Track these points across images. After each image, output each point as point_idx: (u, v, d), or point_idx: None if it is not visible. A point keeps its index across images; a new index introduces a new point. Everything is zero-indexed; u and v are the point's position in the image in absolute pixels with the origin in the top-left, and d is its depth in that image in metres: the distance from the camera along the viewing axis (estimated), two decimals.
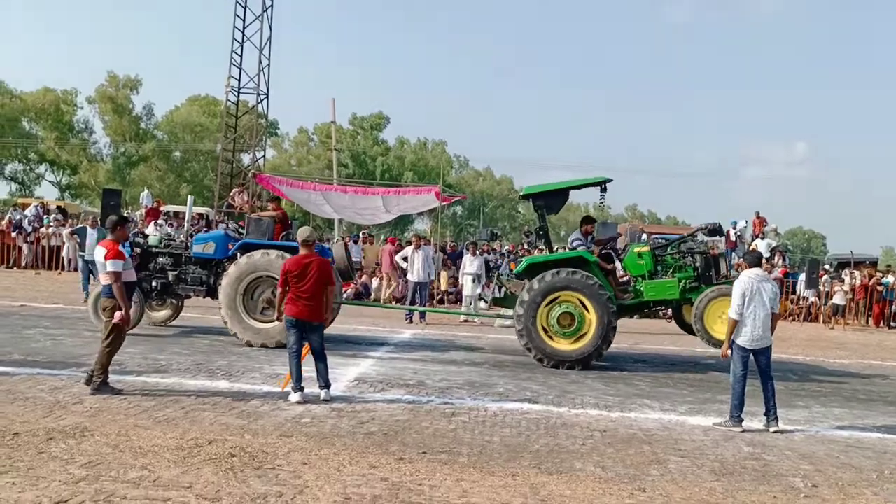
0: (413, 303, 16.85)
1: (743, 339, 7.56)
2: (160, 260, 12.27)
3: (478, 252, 19.13)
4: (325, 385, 7.83)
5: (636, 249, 11.89)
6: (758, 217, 27.41)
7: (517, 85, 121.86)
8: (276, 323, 11.19)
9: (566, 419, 7.63)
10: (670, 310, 12.94)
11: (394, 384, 8.97)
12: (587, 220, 12.54)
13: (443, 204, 28.08)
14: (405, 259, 18.02)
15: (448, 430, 6.88)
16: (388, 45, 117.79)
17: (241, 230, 14.63)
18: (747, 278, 7.64)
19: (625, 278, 12.04)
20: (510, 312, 11.93)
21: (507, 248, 28.76)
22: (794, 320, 22.22)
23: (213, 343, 11.33)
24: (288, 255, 11.34)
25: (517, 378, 9.91)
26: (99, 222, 18.57)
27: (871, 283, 22.60)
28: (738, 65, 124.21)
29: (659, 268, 11.76)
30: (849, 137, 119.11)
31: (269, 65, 26.57)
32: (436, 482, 5.35)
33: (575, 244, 11.93)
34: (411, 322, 16.24)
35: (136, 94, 53.99)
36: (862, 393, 10.45)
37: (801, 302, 23.07)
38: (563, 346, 11.03)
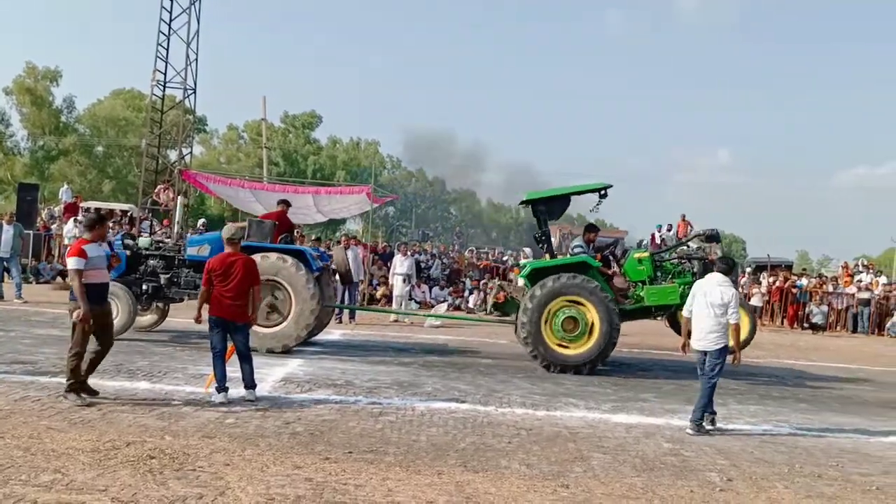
0: (342, 303, 16.73)
1: (692, 340, 7.83)
2: (151, 262, 11.92)
3: (409, 252, 19.15)
4: (250, 385, 7.70)
5: (636, 255, 11.94)
6: (683, 220, 28.18)
7: (453, 86, 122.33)
8: (280, 327, 11.23)
9: (493, 418, 7.69)
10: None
11: (321, 384, 8.89)
12: (591, 228, 12.51)
13: (375, 205, 28.00)
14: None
15: (375, 430, 6.86)
16: (320, 43, 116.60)
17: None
18: (704, 281, 7.90)
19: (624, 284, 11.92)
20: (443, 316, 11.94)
21: (438, 248, 28.81)
22: None
23: (134, 343, 11.00)
24: (290, 259, 11.35)
25: (445, 378, 9.95)
26: (15, 218, 17.84)
27: (786, 285, 23.51)
28: (667, 72, 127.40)
29: (658, 273, 11.81)
30: (769, 145, 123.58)
31: (196, 59, 25.98)
32: (361, 481, 5.32)
33: (576, 250, 11.97)
34: (340, 322, 16.12)
35: (56, 86, 52.00)
36: (775, 391, 10.85)
37: None
38: (567, 350, 11.07)
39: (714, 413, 7.86)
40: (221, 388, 7.50)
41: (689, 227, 27.62)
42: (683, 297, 11.04)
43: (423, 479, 5.47)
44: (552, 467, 6.03)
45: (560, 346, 11.08)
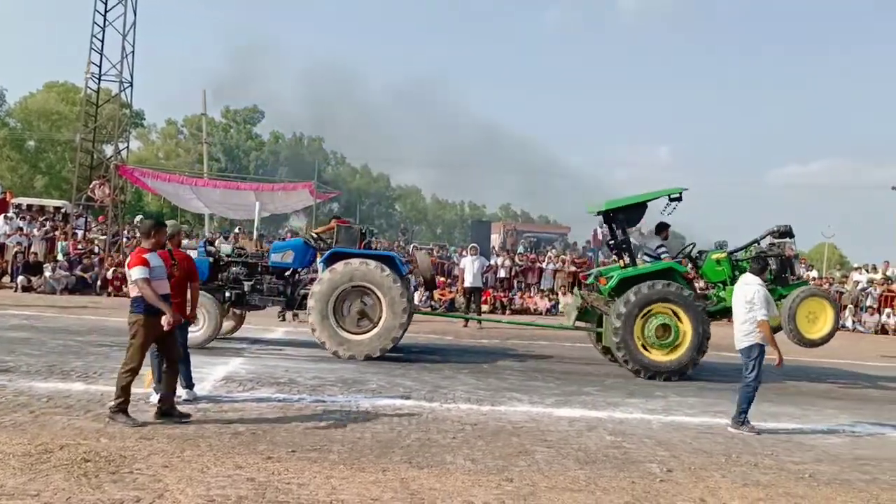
0: None
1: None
2: (233, 269, 11.75)
3: None
4: (189, 385, 7.54)
5: (714, 256, 11.88)
6: None
7: (397, 81, 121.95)
8: (373, 332, 11.13)
9: (438, 414, 7.69)
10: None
11: (264, 383, 8.76)
12: (662, 226, 12.41)
13: (318, 201, 27.76)
14: None
15: (319, 428, 6.78)
16: (263, 35, 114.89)
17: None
18: (739, 282, 8.21)
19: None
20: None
21: (382, 245, 28.64)
22: None
23: (68, 343, 10.67)
24: (373, 262, 11.18)
25: (391, 374, 9.91)
26: None
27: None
28: (610, 69, 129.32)
29: (736, 273, 11.61)
30: (705, 142, 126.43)
31: (133, 51, 25.24)
32: (304, 480, 5.25)
33: (660, 251, 12.09)
34: (284, 319, 15.92)
35: None
36: (713, 383, 11.08)
37: None
38: (658, 357, 11.06)
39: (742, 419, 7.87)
40: (158, 388, 7.31)
41: None
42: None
43: (367, 477, 5.43)
44: (496, 462, 6.05)
45: (650, 352, 11.08)
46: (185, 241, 10.62)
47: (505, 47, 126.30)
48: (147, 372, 7.56)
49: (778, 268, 11.83)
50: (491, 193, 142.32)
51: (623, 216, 11.78)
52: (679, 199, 11.63)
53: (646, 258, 12.19)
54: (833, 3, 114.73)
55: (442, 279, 22.44)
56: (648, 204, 11.77)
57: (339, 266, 11.16)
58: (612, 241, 12.43)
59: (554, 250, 26.49)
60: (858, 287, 25.12)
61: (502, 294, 22.60)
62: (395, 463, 5.83)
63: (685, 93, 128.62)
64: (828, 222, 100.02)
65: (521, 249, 27.69)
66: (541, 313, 21.90)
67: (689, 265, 11.91)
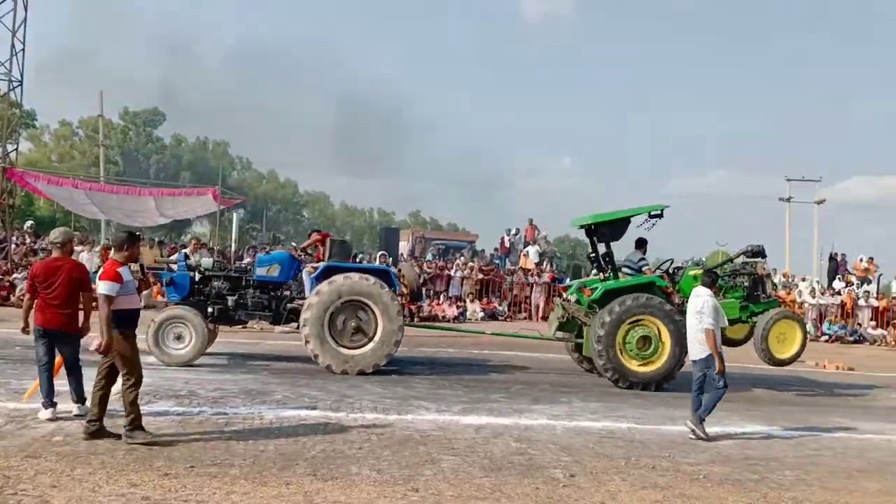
0: None
1: None
2: (215, 284, 11.42)
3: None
4: (80, 399, 7.18)
5: (691, 272, 12.07)
6: (531, 224, 29.14)
7: (304, 87, 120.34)
8: (367, 347, 11.01)
9: (344, 424, 7.60)
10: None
11: (162, 396, 8.45)
12: (642, 242, 12.77)
13: (222, 207, 27.08)
14: None
15: (220, 442, 6.59)
16: (164, 36, 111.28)
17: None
18: (691, 295, 8.56)
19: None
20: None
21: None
22: None
23: None
24: (372, 277, 11.12)
25: (296, 385, 9.73)
26: None
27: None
28: (518, 80, 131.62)
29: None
30: (605, 153, 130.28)
31: (23, 49, 23.99)
32: (203, 497, 5.09)
33: (641, 265, 12.46)
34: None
35: None
36: (616, 388, 11.38)
37: None
38: (637, 367, 11.29)
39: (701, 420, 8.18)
40: (48, 403, 6.96)
41: (536, 232, 28.62)
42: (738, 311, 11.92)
43: (270, 491, 5.31)
44: (403, 471, 6.02)
45: (630, 362, 11.30)
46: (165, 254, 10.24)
47: (415, 57, 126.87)
48: (34, 384, 7.20)
49: (750, 286, 12.35)
50: (400, 199, 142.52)
51: (608, 230, 12.07)
52: (660, 216, 12.05)
53: (626, 271, 12.52)
54: (730, 16, 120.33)
55: None
56: (631, 219, 12.15)
57: (338, 279, 11.01)
58: (593, 255, 12.80)
59: (462, 258, 26.67)
60: None
61: (410, 302, 22.58)
62: (299, 476, 5.72)
63: (588, 103, 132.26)
64: (722, 231, 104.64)
65: (429, 257, 27.77)
66: (448, 320, 22.00)
67: (667, 280, 12.30)
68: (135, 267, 7.15)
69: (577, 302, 12.38)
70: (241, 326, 16.34)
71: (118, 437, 6.39)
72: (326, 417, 7.83)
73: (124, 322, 6.43)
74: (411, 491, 5.52)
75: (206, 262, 11.92)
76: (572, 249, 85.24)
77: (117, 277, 6.35)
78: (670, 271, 12.65)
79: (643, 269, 12.48)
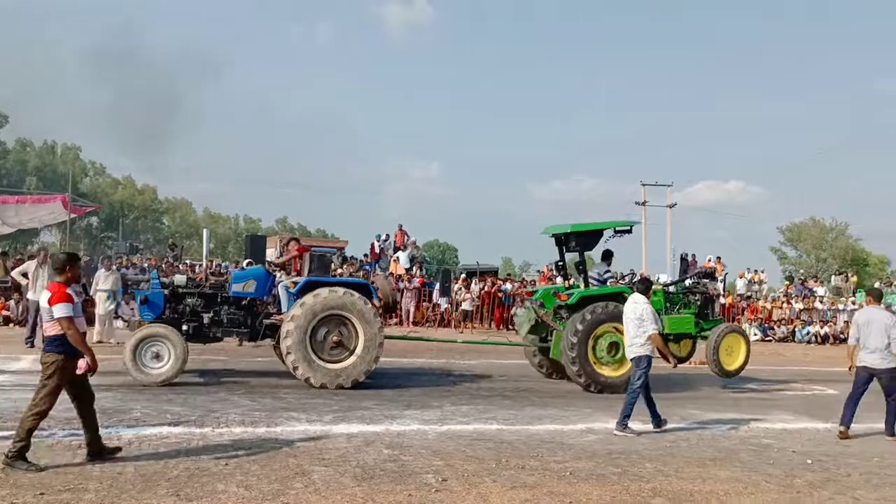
0: (36, 325, 14.90)
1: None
2: (188, 301, 11.23)
3: (113, 267, 17.68)
4: None
5: (654, 287, 12.53)
6: (400, 230, 29.24)
7: (168, 86, 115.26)
8: (348, 362, 11.06)
9: (209, 440, 7.32)
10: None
11: (7, 418, 7.82)
12: (608, 254, 13.63)
13: (73, 215, 25.54)
14: (25, 275, 15.81)
15: (72, 465, 6.18)
16: (8, 32, 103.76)
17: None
18: (628, 301, 9.13)
19: None
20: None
21: (147, 262, 26.89)
22: (430, 326, 23.98)
23: None
24: (356, 293, 11.15)
25: (157, 400, 9.28)
26: None
27: (493, 290, 25.34)
28: (382, 82, 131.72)
29: (668, 304, 13.02)
30: (473, 159, 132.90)
31: None
32: None
33: (606, 276, 13.32)
34: (33, 346, 14.38)
35: None
36: (485, 390, 11.61)
37: (435, 309, 25.01)
38: (607, 372, 11.88)
39: (660, 418, 8.93)
40: None
41: (405, 237, 28.74)
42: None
43: None
44: (272, 486, 5.86)
45: (600, 367, 11.90)
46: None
47: (280, 58, 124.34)
48: None
49: (702, 304, 13.41)
50: (266, 205, 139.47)
51: (581, 240, 12.85)
52: (629, 231, 12.96)
53: (592, 282, 13.04)
54: (592, 25, 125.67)
55: None
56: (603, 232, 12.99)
57: (322, 293, 10.99)
58: (561, 263, 13.55)
59: (331, 265, 26.38)
60: None
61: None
62: (161, 497, 5.45)
63: (456, 109, 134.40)
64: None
65: None
66: None
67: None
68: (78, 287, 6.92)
69: (542, 307, 12.94)
70: (96, 341, 15.55)
71: (117, 449, 6.54)
72: (190, 434, 7.51)
73: (72, 348, 6.14)
74: None
75: (180, 279, 11.63)
76: (441, 254, 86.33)
77: (70, 298, 6.16)
78: (634, 284, 13.35)
79: (608, 280, 13.31)
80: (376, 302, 11.80)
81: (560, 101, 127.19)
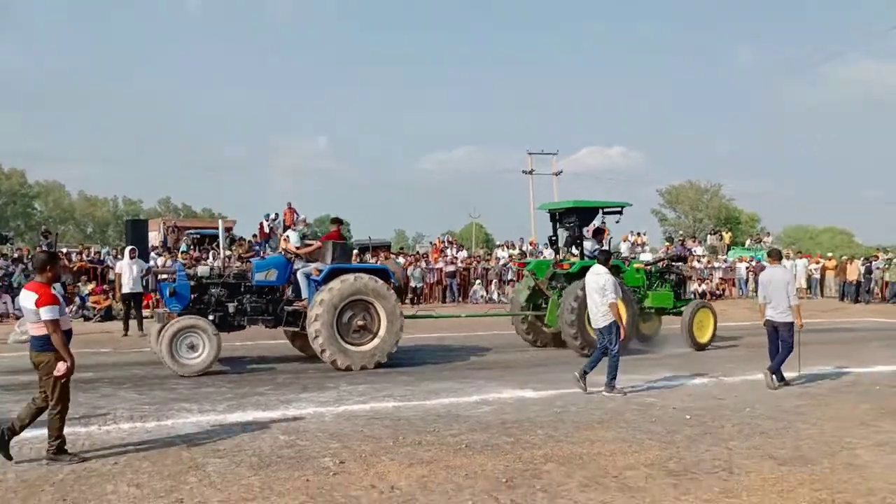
0: None
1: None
2: (213, 291, 11.55)
3: None
4: None
5: (635, 266, 14.66)
6: (289, 208, 28.71)
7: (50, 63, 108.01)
8: (372, 344, 11.57)
9: (95, 438, 7.07)
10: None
11: None
12: (599, 231, 14.76)
13: None
14: None
15: None
16: None
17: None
18: (589, 272, 9.80)
19: None
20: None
21: (18, 251, 25.32)
22: None
23: None
24: (380, 280, 11.68)
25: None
26: None
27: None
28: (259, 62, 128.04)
29: (648, 280, 14.47)
30: (363, 132, 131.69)
31: None
32: None
33: (595, 251, 13.72)
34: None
35: None
36: (382, 368, 11.64)
37: None
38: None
39: (586, 376, 9.49)
40: None
41: (295, 215, 28.26)
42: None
43: None
44: (164, 482, 5.73)
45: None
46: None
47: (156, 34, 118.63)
48: None
49: (676, 284, 14.89)
50: (147, 187, 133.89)
51: (579, 216, 13.95)
52: (620, 212, 14.19)
53: (586, 255, 13.98)
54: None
55: (97, 286, 20.63)
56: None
57: (350, 278, 11.46)
58: (554, 237, 14.81)
59: (219, 246, 25.63)
60: (500, 262, 28.10)
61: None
62: (47, 503, 5.24)
63: (343, 81, 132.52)
64: (473, 204, 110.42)
65: (183, 247, 26.35)
66: None
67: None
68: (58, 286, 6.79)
69: (534, 276, 14.16)
70: None
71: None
72: (75, 434, 7.18)
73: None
74: (175, 502, 5.28)
75: (203, 269, 11.96)
76: None
77: (56, 300, 6.24)
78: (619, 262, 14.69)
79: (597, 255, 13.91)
80: (394, 285, 12.26)
81: (443, 71, 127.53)
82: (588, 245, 14.49)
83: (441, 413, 8.28)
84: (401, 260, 25.27)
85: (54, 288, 6.53)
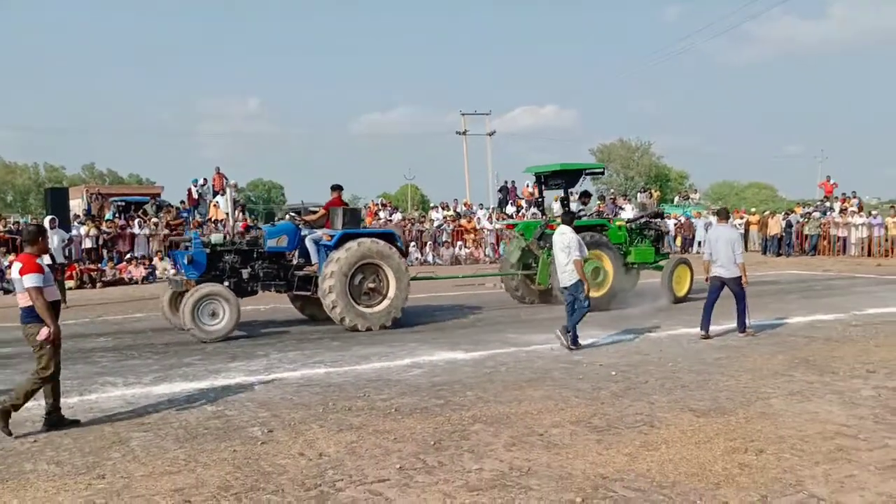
0: None
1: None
2: (227, 258, 11.88)
3: None
4: None
5: (617, 223, 15.30)
6: (218, 173, 28.10)
7: None
8: (384, 304, 11.98)
9: (14, 417, 6.81)
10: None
11: None
12: (585, 194, 16.15)
13: None
14: None
15: None
16: None
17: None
18: (556, 232, 10.11)
19: None
20: None
21: None
22: None
23: None
24: (383, 242, 12.06)
25: None
26: None
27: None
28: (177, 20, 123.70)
29: (630, 236, 15.15)
30: (297, 94, 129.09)
31: None
32: None
33: (580, 213, 15.19)
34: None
35: None
36: (313, 334, 11.61)
37: None
38: (592, 293, 12.38)
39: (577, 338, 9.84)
40: None
41: (224, 180, 27.67)
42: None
43: None
44: (86, 459, 5.62)
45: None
46: None
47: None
48: None
49: (654, 239, 15.57)
50: (71, 153, 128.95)
51: (565, 179, 14.93)
52: (602, 173, 16.10)
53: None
54: None
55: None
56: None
57: (354, 244, 11.71)
58: (540, 199, 15.94)
59: (146, 214, 24.93)
60: (435, 224, 28.13)
61: (92, 267, 20.78)
62: None
63: (272, 44, 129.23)
64: (408, 165, 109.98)
65: (109, 215, 25.55)
66: (137, 282, 20.66)
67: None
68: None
69: (523, 237, 14.69)
70: None
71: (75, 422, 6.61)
72: None
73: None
74: (97, 479, 5.17)
75: (216, 237, 12.26)
76: (267, 193, 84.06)
77: (40, 268, 6.37)
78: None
79: (582, 216, 15.00)
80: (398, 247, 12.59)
81: (375, 34, 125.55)
82: (574, 206, 15.25)
83: (372, 377, 8.31)
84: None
85: (41, 259, 6.66)
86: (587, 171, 15.33)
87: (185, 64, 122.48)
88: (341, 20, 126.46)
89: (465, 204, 32.33)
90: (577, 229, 14.10)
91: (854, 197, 30.78)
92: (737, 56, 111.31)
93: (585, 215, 15.65)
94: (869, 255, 26.70)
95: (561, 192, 15.94)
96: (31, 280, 6.24)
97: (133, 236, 22.55)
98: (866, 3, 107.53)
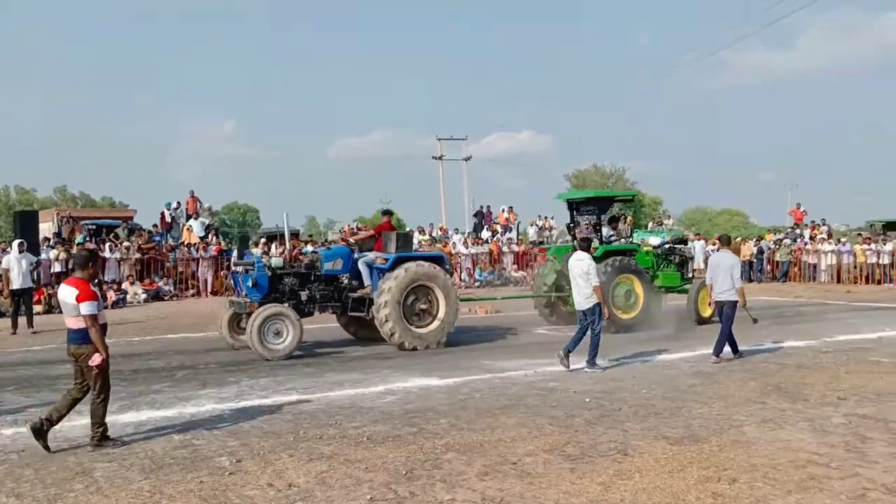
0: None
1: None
2: (286, 281, 12.29)
3: None
4: None
5: (645, 249, 16.01)
6: (192, 196, 27.84)
7: None
8: (434, 326, 12.54)
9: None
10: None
11: None
12: (614, 219, 16.58)
13: None
14: None
15: None
16: None
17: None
18: (573, 258, 10.29)
19: None
20: None
21: None
22: (230, 295, 23.18)
23: None
24: (435, 266, 12.65)
25: None
26: None
27: (294, 252, 24.91)
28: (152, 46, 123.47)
29: (656, 261, 15.85)
30: (274, 117, 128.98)
31: None
32: None
33: (611, 238, 15.66)
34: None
35: None
36: (285, 361, 11.44)
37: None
38: (622, 316, 14.15)
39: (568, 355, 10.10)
40: None
41: (198, 203, 27.45)
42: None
43: None
44: (48, 490, 5.46)
45: (618, 312, 14.14)
46: None
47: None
48: None
49: (679, 265, 16.27)
50: (43, 177, 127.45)
51: (597, 205, 15.54)
52: (631, 200, 17.80)
53: (597, 244, 14.46)
54: None
55: None
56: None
57: (402, 270, 12.16)
58: (572, 224, 15.79)
59: (117, 237, 24.60)
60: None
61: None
62: None
63: (252, 66, 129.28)
64: (384, 189, 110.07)
65: (80, 239, 25.17)
66: (107, 307, 20.33)
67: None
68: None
69: (556, 260, 15.18)
70: None
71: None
72: None
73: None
74: None
75: (276, 261, 12.78)
76: (242, 216, 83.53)
77: (96, 296, 6.54)
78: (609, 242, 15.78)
79: (612, 240, 15.54)
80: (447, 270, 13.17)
81: (352, 58, 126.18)
82: (605, 231, 15.65)
83: (344, 405, 8.19)
84: (309, 247, 24.91)
85: (94, 284, 6.77)
86: (617, 199, 16.49)
87: (162, 86, 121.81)
88: (318, 43, 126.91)
89: (440, 228, 32.32)
90: (609, 253, 14.88)
91: (823, 224, 31.18)
92: (710, 82, 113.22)
93: (616, 240, 16.02)
94: (839, 281, 27.02)
95: (593, 219, 16.22)
96: (87, 308, 6.42)
97: (104, 260, 22.22)
98: (832, 35, 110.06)
